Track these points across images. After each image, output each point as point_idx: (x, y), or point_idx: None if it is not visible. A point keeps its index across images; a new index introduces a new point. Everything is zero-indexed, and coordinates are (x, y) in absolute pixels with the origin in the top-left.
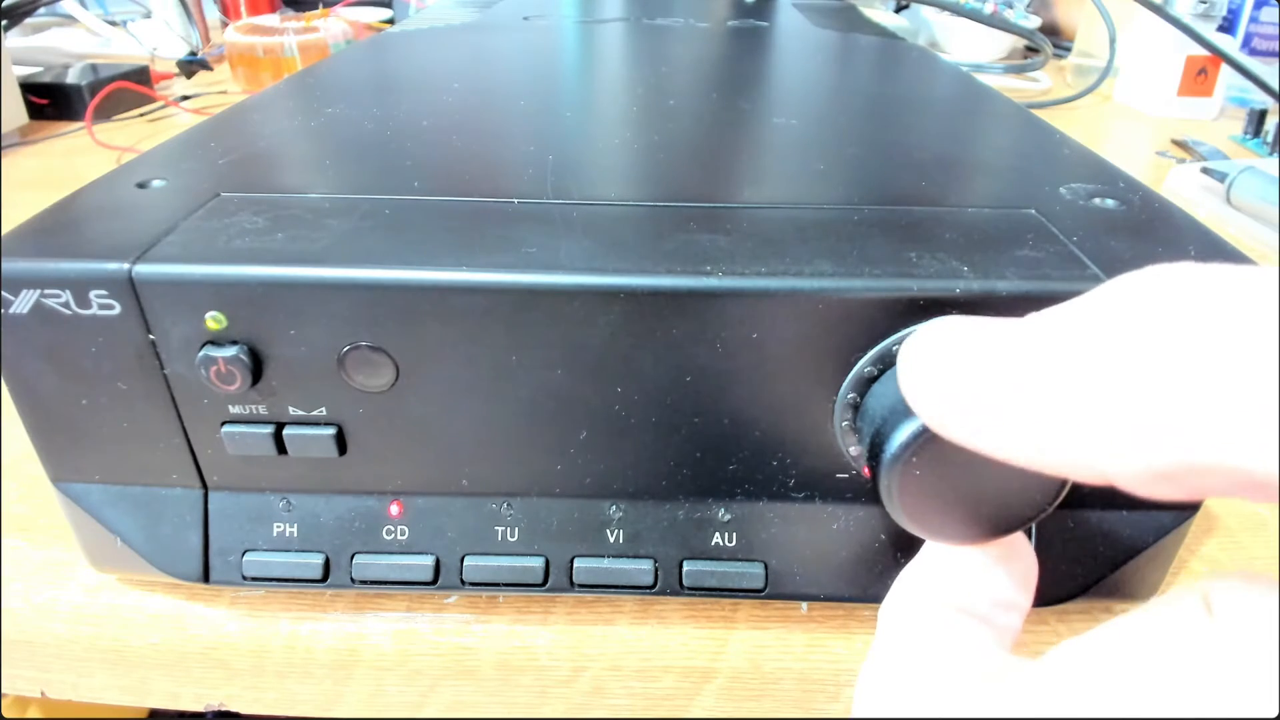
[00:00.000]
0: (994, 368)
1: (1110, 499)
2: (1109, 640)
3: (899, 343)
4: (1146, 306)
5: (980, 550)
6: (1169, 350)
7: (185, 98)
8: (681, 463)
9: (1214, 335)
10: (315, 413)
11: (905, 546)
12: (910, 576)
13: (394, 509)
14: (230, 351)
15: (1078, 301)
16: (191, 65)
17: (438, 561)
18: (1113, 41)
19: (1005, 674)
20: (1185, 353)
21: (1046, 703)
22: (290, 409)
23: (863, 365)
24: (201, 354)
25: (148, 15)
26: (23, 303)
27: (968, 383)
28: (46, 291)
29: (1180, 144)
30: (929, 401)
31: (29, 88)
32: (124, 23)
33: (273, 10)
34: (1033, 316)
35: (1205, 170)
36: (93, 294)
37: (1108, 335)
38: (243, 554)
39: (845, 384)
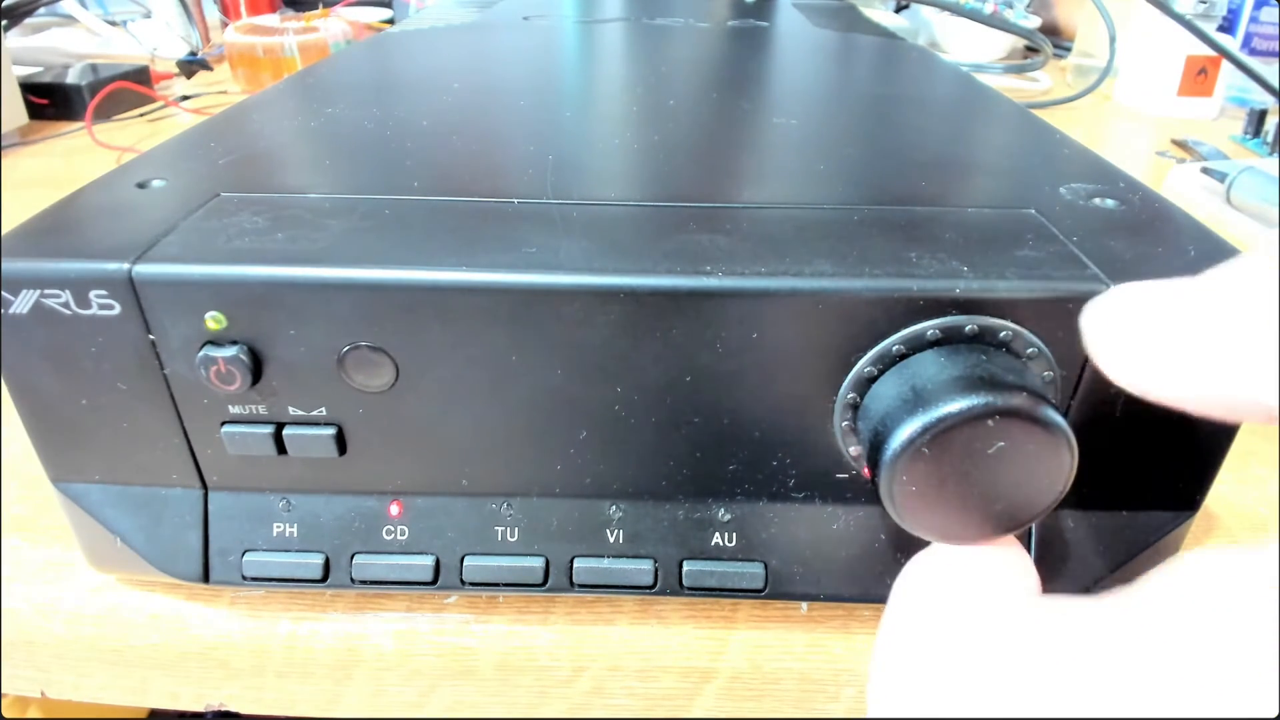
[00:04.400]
0: (1178, 319)
1: (1110, 499)
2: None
3: (899, 343)
4: None
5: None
6: None
7: (185, 98)
8: (681, 463)
9: None
10: (315, 413)
11: (905, 546)
12: (925, 556)
13: (394, 509)
14: (230, 351)
15: (1245, 257)
16: (191, 65)
17: (438, 561)
18: (1113, 41)
19: (1050, 604)
20: None
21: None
22: (290, 409)
23: (863, 365)
24: (201, 354)
25: (148, 15)
26: (23, 303)
27: (1151, 336)
28: (46, 291)
29: (1180, 144)
30: (1115, 359)
31: (29, 88)
32: (124, 23)
33: (273, 10)
34: (1206, 274)
35: (1205, 170)
36: (93, 294)
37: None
38: (243, 554)
39: (845, 384)
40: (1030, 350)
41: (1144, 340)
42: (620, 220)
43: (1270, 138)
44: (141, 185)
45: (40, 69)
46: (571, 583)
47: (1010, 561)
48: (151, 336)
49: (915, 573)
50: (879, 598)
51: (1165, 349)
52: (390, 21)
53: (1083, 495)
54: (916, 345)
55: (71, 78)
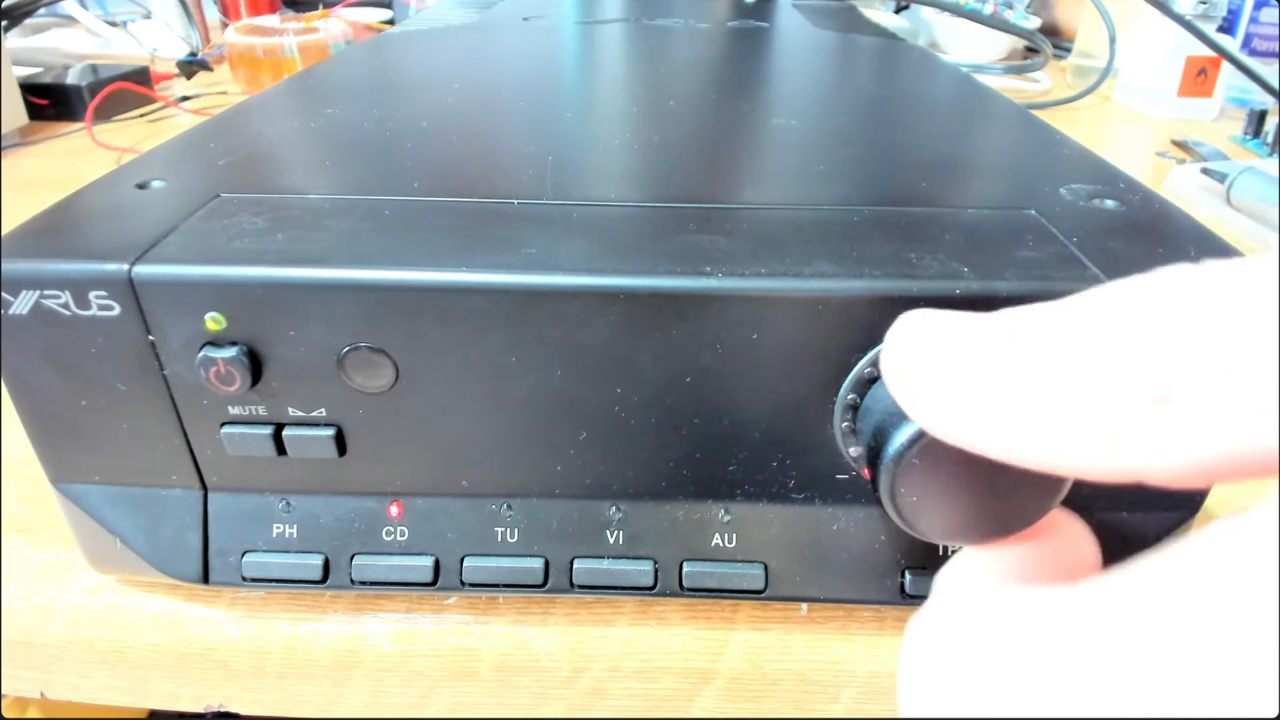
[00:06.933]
0: (1001, 366)
1: (1110, 500)
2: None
3: None
4: (1169, 301)
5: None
6: (1226, 341)
7: (185, 98)
8: (681, 463)
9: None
10: (315, 413)
11: (905, 547)
12: (970, 551)
13: (394, 510)
14: (230, 352)
15: (1080, 297)
16: (191, 66)
17: (437, 562)
18: (1113, 42)
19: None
20: (1246, 340)
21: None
22: (290, 410)
23: (863, 366)
24: (201, 355)
25: (148, 16)
26: (22, 303)
27: (943, 377)
28: (46, 292)
29: (1180, 144)
30: (910, 399)
31: (29, 88)
32: (124, 23)
33: (273, 10)
34: (1025, 310)
35: (1205, 171)
36: (92, 295)
37: (1145, 327)
38: (242, 555)
39: (845, 385)
40: None
41: (938, 381)
42: (620, 221)
43: (1270, 138)
44: (141, 186)
45: (40, 69)
46: (571, 583)
47: (1049, 549)
48: (151, 337)
49: (949, 571)
50: (878, 599)
51: (961, 394)
52: (390, 22)
53: (1083, 495)
54: None
55: (71, 78)
